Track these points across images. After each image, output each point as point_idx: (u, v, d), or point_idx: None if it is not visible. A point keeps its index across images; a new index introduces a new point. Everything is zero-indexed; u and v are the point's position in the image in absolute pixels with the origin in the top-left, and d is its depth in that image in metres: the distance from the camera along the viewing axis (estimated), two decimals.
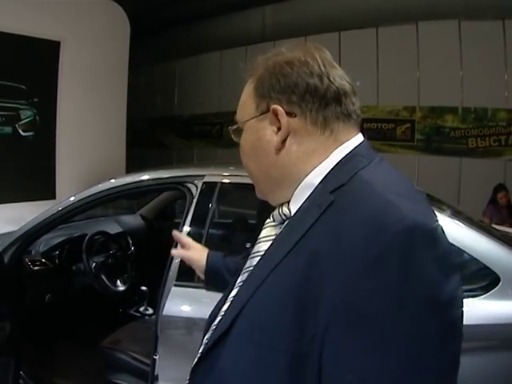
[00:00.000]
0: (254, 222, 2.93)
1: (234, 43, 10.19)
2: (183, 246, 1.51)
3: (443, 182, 6.86)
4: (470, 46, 7.33)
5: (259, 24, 10.40)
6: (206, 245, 2.19)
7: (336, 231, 0.75)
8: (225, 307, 0.94)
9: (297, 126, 0.88)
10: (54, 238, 2.98)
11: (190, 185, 2.35)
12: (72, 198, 2.52)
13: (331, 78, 0.89)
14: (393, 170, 0.89)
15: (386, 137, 7.94)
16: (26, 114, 6.77)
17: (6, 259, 2.47)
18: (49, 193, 6.83)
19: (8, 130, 6.58)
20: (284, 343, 0.75)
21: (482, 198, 6.29)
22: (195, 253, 1.48)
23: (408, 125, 7.85)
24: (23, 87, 6.64)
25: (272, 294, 0.80)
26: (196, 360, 0.92)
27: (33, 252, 2.83)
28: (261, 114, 0.91)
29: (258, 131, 0.92)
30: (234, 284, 0.98)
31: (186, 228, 2.25)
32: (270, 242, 0.92)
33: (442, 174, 7.23)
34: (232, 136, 0.99)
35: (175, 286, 2.18)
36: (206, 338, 0.96)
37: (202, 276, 1.46)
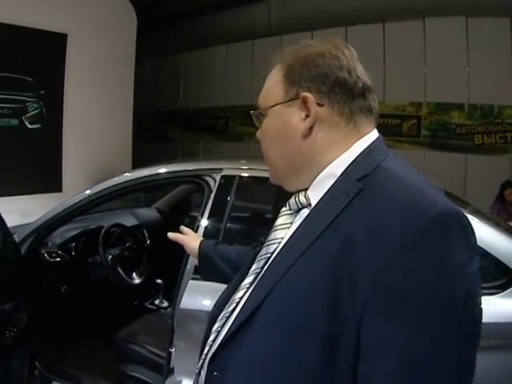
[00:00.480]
0: (271, 215, 2.93)
1: (240, 37, 10.19)
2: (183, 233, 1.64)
3: (449, 179, 6.83)
4: (477, 42, 7.31)
5: (265, 18, 10.37)
6: (223, 238, 2.23)
7: (370, 216, 0.78)
8: (239, 294, 0.96)
9: (324, 115, 0.91)
10: (70, 230, 2.99)
11: (208, 178, 2.35)
12: (88, 191, 2.53)
13: (358, 74, 0.93)
14: (408, 164, 0.93)
15: (392, 132, 7.89)
16: (33, 107, 6.77)
17: (22, 250, 2.48)
18: (55, 185, 6.86)
19: (15, 122, 6.59)
20: (316, 325, 0.77)
21: (488, 195, 6.28)
22: (190, 239, 1.59)
23: (414, 121, 7.84)
24: (30, 80, 6.63)
25: (302, 279, 0.82)
26: (215, 348, 0.93)
27: (49, 244, 2.84)
28: (289, 100, 0.93)
29: (285, 117, 0.94)
30: (247, 272, 1.00)
31: (204, 221, 2.25)
32: (287, 230, 0.95)
33: (447, 171, 7.20)
34: (254, 120, 1.02)
35: (192, 279, 2.18)
36: (216, 326, 0.98)
37: (197, 262, 1.56)
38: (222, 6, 10.20)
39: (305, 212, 0.94)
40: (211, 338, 0.97)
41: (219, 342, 0.92)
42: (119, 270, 2.84)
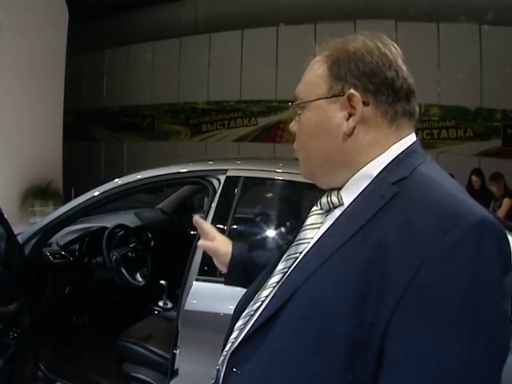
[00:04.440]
0: (276, 216, 2.92)
1: (166, 34, 10.14)
2: (205, 236, 1.39)
3: None
4: (404, 45, 7.50)
5: (192, 16, 10.35)
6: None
7: (406, 221, 0.77)
8: (265, 293, 0.95)
9: (368, 115, 0.89)
10: (74, 231, 3.00)
11: (212, 179, 2.35)
12: (91, 193, 2.53)
13: (404, 75, 0.91)
14: (443, 170, 0.91)
15: None
16: None
17: (26, 251, 2.48)
18: None
19: None
20: (342, 328, 0.77)
21: None
22: (221, 246, 1.37)
23: None
24: None
25: (331, 280, 0.81)
26: (236, 344, 0.93)
27: (53, 245, 2.84)
28: (333, 96, 0.90)
29: (327, 113, 0.91)
30: (272, 271, 0.99)
31: (209, 222, 2.24)
32: (317, 230, 0.94)
33: None
34: (291, 111, 0.99)
35: (197, 280, 2.18)
36: (239, 324, 0.97)
37: (223, 269, 1.38)
38: (147, 3, 10.10)
39: (336, 212, 0.93)
40: (234, 335, 0.97)
41: (241, 338, 0.92)
42: (123, 271, 2.84)
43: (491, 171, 6.47)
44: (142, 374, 2.59)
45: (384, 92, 0.88)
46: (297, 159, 1.02)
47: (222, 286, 2.14)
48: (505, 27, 7.80)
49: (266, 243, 2.60)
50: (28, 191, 7.48)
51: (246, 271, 1.34)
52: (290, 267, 0.94)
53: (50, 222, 2.54)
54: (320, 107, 0.92)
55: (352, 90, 0.88)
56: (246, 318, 0.96)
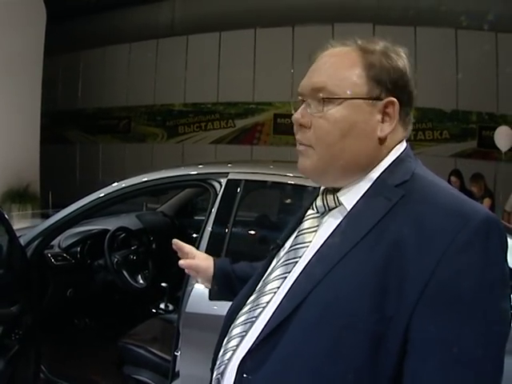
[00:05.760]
0: (277, 220, 2.94)
1: (143, 36, 10.12)
2: (185, 256, 1.39)
3: None
4: None
5: (169, 17, 10.33)
6: (229, 242, 2.23)
7: (419, 221, 0.81)
8: (265, 299, 0.94)
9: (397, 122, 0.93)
10: (76, 233, 3.00)
11: (213, 182, 2.35)
12: (94, 195, 2.53)
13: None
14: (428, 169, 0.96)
15: None
16: None
17: (28, 253, 2.48)
18: None
19: None
20: (363, 324, 0.80)
21: None
22: (202, 261, 1.38)
23: None
24: None
25: (347, 280, 0.83)
26: (246, 351, 0.91)
27: (55, 247, 2.85)
28: (373, 99, 0.91)
29: (365, 114, 0.91)
30: (264, 276, 1.00)
31: (210, 225, 2.26)
32: (314, 233, 0.95)
33: None
34: (312, 105, 0.93)
35: (198, 282, 2.18)
36: (239, 331, 0.96)
37: (208, 285, 1.39)
38: (123, 4, 10.04)
39: (333, 214, 0.95)
40: (233, 342, 0.95)
41: (250, 344, 0.91)
42: (124, 273, 2.85)
43: (467, 172, 6.59)
44: (143, 376, 2.59)
45: (407, 100, 0.93)
46: (295, 162, 0.99)
47: None
48: (480, 31, 7.99)
49: (267, 246, 2.60)
50: (5, 195, 7.42)
51: (229, 284, 1.34)
52: (290, 272, 0.94)
53: (52, 224, 2.54)
54: (358, 107, 0.91)
55: (393, 98, 0.90)
56: (247, 325, 0.95)
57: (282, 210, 2.90)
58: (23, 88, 7.34)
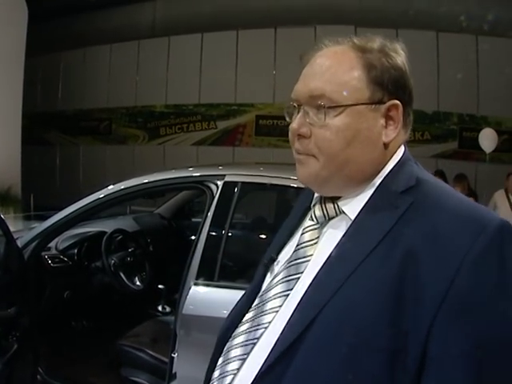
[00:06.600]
0: (274, 222, 2.94)
1: (124, 37, 10.06)
2: None
3: None
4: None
5: (150, 18, 10.31)
6: (226, 244, 2.24)
7: (432, 229, 0.78)
8: (267, 318, 0.87)
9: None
10: (73, 235, 3.00)
11: (210, 184, 2.36)
12: (91, 197, 2.54)
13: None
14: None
15: (281, 133, 8.36)
16: None
17: (25, 255, 2.48)
18: None
19: None
20: (379, 341, 0.76)
21: None
22: None
23: None
24: None
25: (361, 294, 0.78)
26: (255, 375, 0.84)
27: (52, 249, 2.84)
28: (375, 104, 0.85)
29: (369, 120, 0.85)
30: (261, 296, 0.92)
31: (207, 227, 2.27)
32: (315, 246, 0.89)
33: None
34: (311, 113, 0.87)
35: (195, 284, 2.20)
36: (239, 353, 0.88)
37: None
38: (104, 4, 9.97)
39: (334, 224, 0.89)
40: (233, 365, 0.88)
41: (258, 368, 0.83)
42: (121, 275, 2.85)
43: (448, 172, 6.62)
44: (140, 378, 2.60)
45: (408, 100, 0.88)
46: (293, 164, 0.94)
47: (219, 289, 2.20)
48: (461, 34, 8.16)
49: (263, 248, 2.61)
50: None
51: None
52: (292, 289, 0.87)
53: (50, 226, 2.54)
54: (361, 113, 0.85)
55: (396, 101, 0.85)
56: (248, 347, 0.87)
57: (278, 212, 2.90)
58: (4, 89, 7.28)
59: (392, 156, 0.89)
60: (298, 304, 0.84)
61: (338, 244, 0.86)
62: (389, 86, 0.85)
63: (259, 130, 9.43)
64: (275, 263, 0.97)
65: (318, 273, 0.85)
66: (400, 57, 0.88)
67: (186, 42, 9.77)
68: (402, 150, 0.90)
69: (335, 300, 0.80)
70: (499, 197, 6.31)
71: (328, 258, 0.85)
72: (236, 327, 0.93)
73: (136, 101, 10.41)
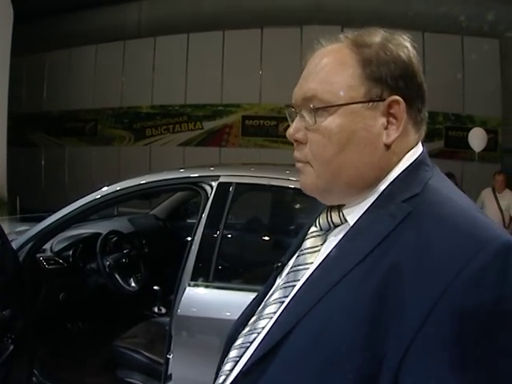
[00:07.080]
0: (268, 223, 2.96)
1: (109, 37, 9.96)
2: None
3: None
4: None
5: (135, 18, 10.22)
6: (220, 244, 2.25)
7: (421, 244, 0.70)
8: (262, 323, 0.85)
9: (405, 123, 0.80)
10: (68, 237, 3.00)
11: (205, 185, 2.37)
12: (86, 199, 2.54)
13: (423, 77, 0.83)
14: (452, 183, 0.85)
15: (268, 133, 8.50)
16: None
17: (20, 257, 2.48)
18: None
19: None
20: (353, 363, 0.69)
21: None
22: None
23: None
24: None
25: (339, 310, 0.72)
26: (233, 377, 0.84)
27: (47, 251, 2.84)
28: (372, 101, 0.78)
29: (366, 120, 0.78)
30: (266, 300, 0.89)
31: (201, 228, 2.27)
32: (317, 254, 0.85)
33: None
34: (306, 116, 0.82)
35: (190, 285, 2.21)
36: (234, 354, 0.87)
37: None
38: (90, 5, 9.86)
39: (337, 232, 0.84)
40: (228, 366, 0.86)
41: (238, 370, 0.83)
42: (117, 276, 2.85)
43: None
44: (136, 379, 2.60)
45: (417, 96, 0.81)
46: (292, 165, 0.91)
47: (214, 290, 2.21)
48: (446, 34, 8.18)
49: (259, 248, 2.62)
50: None
51: None
52: (288, 296, 0.83)
53: (44, 228, 2.54)
54: (356, 113, 0.78)
55: (396, 97, 0.78)
56: (242, 350, 0.86)
57: (273, 213, 2.92)
58: None
59: (401, 158, 0.81)
60: (281, 314, 0.81)
61: (328, 254, 0.81)
62: (388, 80, 0.78)
63: (246, 130, 9.34)
64: (285, 268, 0.93)
65: (305, 282, 0.81)
66: (404, 48, 0.80)
67: (171, 43, 9.68)
68: (415, 152, 0.82)
69: (314, 312, 0.75)
70: (486, 195, 6.36)
71: (316, 268, 0.81)
72: (243, 329, 0.91)
73: (122, 102, 10.28)
